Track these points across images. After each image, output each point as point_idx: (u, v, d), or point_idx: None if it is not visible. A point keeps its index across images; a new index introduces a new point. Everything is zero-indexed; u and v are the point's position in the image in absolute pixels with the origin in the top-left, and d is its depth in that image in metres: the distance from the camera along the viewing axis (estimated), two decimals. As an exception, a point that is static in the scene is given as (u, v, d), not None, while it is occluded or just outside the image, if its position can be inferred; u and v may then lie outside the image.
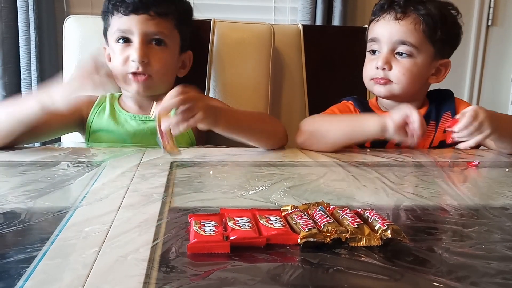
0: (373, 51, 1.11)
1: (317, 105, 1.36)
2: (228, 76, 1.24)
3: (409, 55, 1.07)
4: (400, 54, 1.08)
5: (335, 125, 1.03)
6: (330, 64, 1.38)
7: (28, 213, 0.61)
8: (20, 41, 1.61)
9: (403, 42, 1.07)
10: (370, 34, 1.12)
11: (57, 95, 0.89)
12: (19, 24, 1.60)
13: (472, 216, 0.65)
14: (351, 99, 1.17)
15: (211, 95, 1.26)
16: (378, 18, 1.10)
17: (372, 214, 0.58)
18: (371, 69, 1.11)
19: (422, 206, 0.68)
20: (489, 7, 1.93)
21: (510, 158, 1.00)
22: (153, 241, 0.53)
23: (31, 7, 1.58)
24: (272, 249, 0.52)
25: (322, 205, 0.63)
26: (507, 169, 0.92)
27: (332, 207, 0.62)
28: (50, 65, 1.66)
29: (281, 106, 1.31)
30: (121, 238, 0.54)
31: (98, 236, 0.54)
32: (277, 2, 1.84)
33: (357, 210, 0.61)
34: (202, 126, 0.85)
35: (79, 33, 1.23)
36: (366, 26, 1.37)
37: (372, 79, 1.11)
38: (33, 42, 1.61)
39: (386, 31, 1.08)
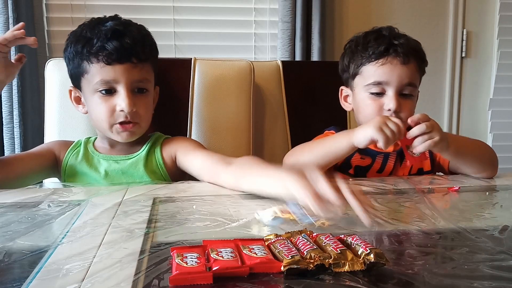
0: (377, 94, 1.11)
1: (299, 138, 1.37)
2: (209, 113, 1.25)
3: (411, 95, 1.11)
4: (405, 95, 1.10)
5: (311, 150, 1.07)
6: (310, 98, 1.40)
7: (8, 253, 0.60)
8: (2, 86, 1.62)
9: (410, 84, 1.10)
10: (374, 77, 1.11)
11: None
12: (1, 70, 1.61)
13: (454, 238, 0.66)
14: (333, 129, 1.19)
15: (193, 131, 1.27)
16: (381, 62, 1.10)
17: (354, 239, 0.59)
18: (377, 108, 1.10)
19: (404, 230, 0.68)
20: (462, 40, 2.00)
21: (490, 183, 1.01)
22: (135, 275, 0.53)
23: (13, 53, 1.60)
24: (256, 278, 0.52)
25: (305, 232, 0.63)
26: (487, 193, 0.93)
27: (315, 234, 0.62)
28: (32, 110, 1.66)
29: (264, 140, 1.32)
30: (102, 274, 0.53)
31: (79, 272, 0.53)
32: (257, 41, 1.89)
33: (340, 236, 0.61)
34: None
35: (60, 76, 1.24)
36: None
37: None
38: (15, 87, 1.62)
39: (395, 75, 1.09)
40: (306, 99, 1.40)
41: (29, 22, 1.65)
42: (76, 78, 1.08)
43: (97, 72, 1.03)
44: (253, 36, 1.88)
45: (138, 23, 1.13)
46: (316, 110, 1.40)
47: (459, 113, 2.06)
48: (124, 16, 1.76)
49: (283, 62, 1.39)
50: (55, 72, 1.25)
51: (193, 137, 1.27)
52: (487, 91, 2.06)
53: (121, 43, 1.02)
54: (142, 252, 0.59)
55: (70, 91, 1.11)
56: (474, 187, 0.98)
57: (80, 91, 1.09)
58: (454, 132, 2.04)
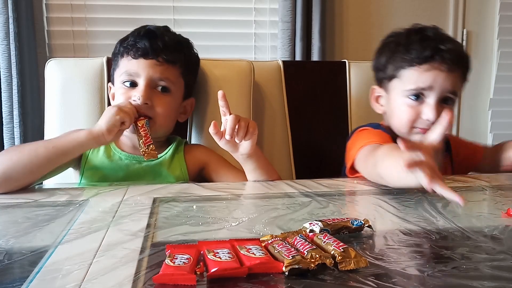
0: (416, 99, 1.05)
1: (299, 138, 1.38)
2: (209, 112, 1.25)
3: (452, 103, 1.06)
4: (445, 102, 1.05)
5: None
6: (311, 98, 1.40)
7: (8, 253, 0.60)
8: (2, 86, 1.62)
9: (452, 92, 1.05)
10: (415, 83, 1.04)
11: (106, 128, 0.96)
12: (1, 70, 1.61)
13: (454, 238, 0.66)
14: (380, 128, 1.12)
15: (193, 131, 1.27)
16: (425, 67, 1.04)
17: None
18: (415, 116, 1.05)
19: (405, 230, 0.68)
20: (462, 40, 2.00)
21: (490, 183, 1.01)
22: (135, 275, 0.53)
23: (13, 52, 1.60)
24: (256, 278, 0.52)
25: (301, 233, 0.63)
26: (487, 193, 0.93)
27: (311, 234, 0.62)
28: (32, 110, 1.66)
29: (263, 139, 1.32)
30: (102, 274, 0.53)
31: (79, 272, 0.53)
32: (257, 41, 1.89)
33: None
34: (247, 142, 0.97)
35: (60, 76, 1.24)
36: (345, 60, 1.41)
37: (415, 127, 1.06)
38: (15, 87, 1.62)
39: (438, 83, 1.03)
40: (307, 99, 1.40)
41: (29, 22, 1.65)
42: (112, 74, 1.14)
43: (124, 65, 1.09)
44: (253, 36, 1.88)
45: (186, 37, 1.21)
46: (317, 110, 1.40)
47: (459, 113, 2.06)
48: (124, 16, 1.76)
49: (284, 62, 1.39)
50: (55, 72, 1.25)
51: (193, 137, 1.28)
52: (487, 91, 2.06)
53: (151, 42, 1.08)
54: (142, 252, 0.60)
55: (110, 87, 1.16)
56: (474, 187, 0.98)
57: (114, 85, 1.14)
58: (453, 132, 2.04)
